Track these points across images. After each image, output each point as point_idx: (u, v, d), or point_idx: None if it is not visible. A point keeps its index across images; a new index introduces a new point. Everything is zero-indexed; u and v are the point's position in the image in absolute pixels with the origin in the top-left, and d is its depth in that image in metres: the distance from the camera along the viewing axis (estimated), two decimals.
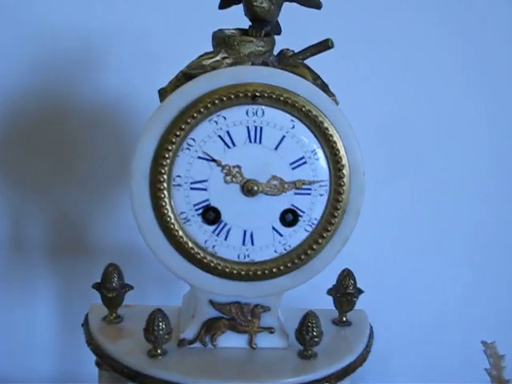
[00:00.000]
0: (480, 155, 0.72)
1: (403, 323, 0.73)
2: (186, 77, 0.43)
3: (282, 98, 0.39)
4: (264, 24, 0.44)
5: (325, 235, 0.41)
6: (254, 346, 0.46)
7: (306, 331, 0.44)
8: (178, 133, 0.39)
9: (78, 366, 0.78)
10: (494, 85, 0.70)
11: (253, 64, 0.43)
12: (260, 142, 0.39)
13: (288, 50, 0.45)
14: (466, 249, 0.75)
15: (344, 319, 0.51)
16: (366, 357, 0.48)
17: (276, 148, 0.40)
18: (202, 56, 0.44)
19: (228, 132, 0.39)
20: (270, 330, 0.46)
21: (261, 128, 0.39)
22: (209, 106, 0.39)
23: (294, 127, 0.40)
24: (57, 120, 0.69)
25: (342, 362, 0.45)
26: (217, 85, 0.39)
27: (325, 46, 0.44)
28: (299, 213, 0.41)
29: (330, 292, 0.51)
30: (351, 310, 0.51)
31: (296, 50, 0.45)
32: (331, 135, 0.40)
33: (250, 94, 0.39)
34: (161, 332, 0.43)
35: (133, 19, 0.67)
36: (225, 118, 0.39)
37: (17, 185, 0.70)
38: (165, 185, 0.39)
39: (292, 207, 0.41)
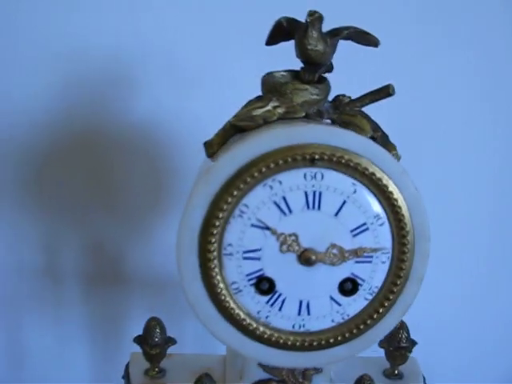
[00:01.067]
0: None
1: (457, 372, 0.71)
2: (234, 129, 0.40)
3: (343, 161, 0.36)
4: (318, 67, 0.41)
5: (386, 304, 0.38)
6: None
7: None
8: (229, 199, 0.35)
9: None
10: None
11: (307, 114, 0.39)
12: (319, 208, 0.36)
13: (344, 96, 0.41)
14: None
15: (396, 372, 0.49)
16: None
17: (336, 214, 0.36)
18: (250, 104, 0.40)
19: (284, 198, 0.36)
20: None
21: (320, 193, 0.36)
22: (263, 170, 0.35)
23: (355, 191, 0.36)
24: (91, 145, 0.66)
25: None
26: (271, 147, 0.35)
27: (386, 92, 0.40)
28: (359, 281, 0.38)
29: (382, 345, 0.48)
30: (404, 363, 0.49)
31: (352, 95, 0.42)
32: (396, 199, 0.36)
33: (308, 157, 0.35)
34: None
35: (164, 37, 0.63)
36: (280, 183, 0.36)
37: (52, 212, 0.68)
38: (215, 254, 0.36)
39: (352, 276, 0.38)
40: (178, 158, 0.68)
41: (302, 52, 0.39)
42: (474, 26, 0.66)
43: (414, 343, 0.48)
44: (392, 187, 0.36)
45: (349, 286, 0.38)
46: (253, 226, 0.36)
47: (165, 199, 0.69)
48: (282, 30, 0.42)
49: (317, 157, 0.35)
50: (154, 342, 0.46)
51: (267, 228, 0.36)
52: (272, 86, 0.40)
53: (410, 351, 0.48)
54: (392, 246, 0.37)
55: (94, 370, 0.74)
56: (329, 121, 0.40)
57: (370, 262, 0.37)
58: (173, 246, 0.74)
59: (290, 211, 0.36)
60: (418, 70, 0.65)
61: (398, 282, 0.38)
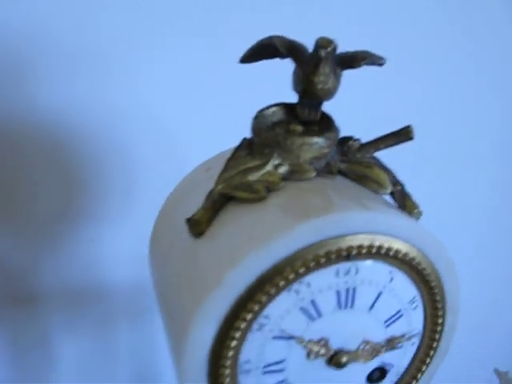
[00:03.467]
0: None
1: None
2: (226, 197, 0.31)
3: (383, 251, 0.29)
4: (321, 103, 0.32)
5: (412, 383, 0.34)
6: None
7: None
8: (246, 316, 0.28)
9: None
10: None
11: (318, 172, 0.31)
12: (352, 306, 0.30)
13: (354, 140, 0.33)
14: None
15: None
16: None
17: (370, 308, 0.30)
18: (239, 160, 0.31)
19: (313, 301, 0.29)
20: None
21: (354, 289, 0.29)
22: (290, 277, 0.27)
23: (392, 280, 0.30)
24: None
25: None
26: (299, 246, 0.27)
27: (406, 136, 0.33)
28: (388, 368, 0.33)
29: None
30: None
31: (360, 139, 0.34)
32: (432, 280, 0.31)
33: (344, 254, 0.28)
34: None
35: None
36: (309, 285, 0.28)
37: None
38: (228, 374, 0.29)
39: (382, 365, 0.33)
40: (89, 157, 0.55)
41: (308, 89, 0.31)
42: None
43: None
44: (430, 269, 0.31)
45: (377, 375, 0.33)
46: (275, 338, 0.29)
47: (78, 202, 0.57)
48: (270, 51, 0.32)
49: (354, 252, 0.28)
50: None
51: (292, 338, 0.29)
52: (272, 140, 0.31)
53: None
54: (424, 327, 0.33)
55: None
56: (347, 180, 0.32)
57: (400, 347, 0.32)
58: (100, 252, 0.63)
59: (320, 315, 0.29)
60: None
61: (427, 361, 0.34)
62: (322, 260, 0.28)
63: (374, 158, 0.33)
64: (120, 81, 0.52)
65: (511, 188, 0.71)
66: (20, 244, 0.56)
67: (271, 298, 0.28)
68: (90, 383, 0.66)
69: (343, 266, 0.29)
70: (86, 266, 0.59)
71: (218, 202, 0.31)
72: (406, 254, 0.30)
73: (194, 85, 0.54)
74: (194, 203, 0.32)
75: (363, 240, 0.28)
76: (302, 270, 0.27)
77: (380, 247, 0.29)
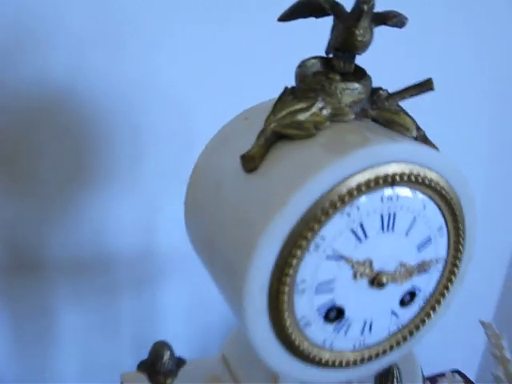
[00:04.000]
0: None
1: None
2: (276, 136, 0.34)
3: (420, 179, 0.33)
4: (355, 56, 0.36)
5: (436, 307, 0.38)
6: None
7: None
8: (308, 234, 0.31)
9: None
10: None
11: (355, 115, 0.35)
12: (393, 229, 0.33)
13: (382, 90, 0.37)
14: None
15: None
16: None
17: (407, 233, 0.34)
18: (286, 104, 0.35)
19: (361, 224, 0.32)
20: None
21: (394, 214, 0.33)
22: (346, 199, 0.31)
23: (425, 207, 0.34)
24: None
25: None
26: (354, 170, 0.31)
27: (428, 86, 0.37)
28: (417, 292, 0.37)
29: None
30: None
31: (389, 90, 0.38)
32: (457, 209, 0.35)
33: (390, 180, 0.32)
34: None
35: None
36: (358, 209, 0.32)
37: None
38: (287, 293, 0.32)
39: (412, 289, 0.36)
40: (99, 125, 0.57)
41: (348, 41, 0.34)
42: None
43: None
44: (455, 199, 0.35)
45: (408, 298, 0.37)
46: (328, 257, 0.32)
47: (85, 170, 0.59)
48: (311, 8, 0.36)
49: (398, 178, 0.32)
50: (166, 369, 0.41)
51: (342, 257, 0.33)
52: (318, 84, 0.34)
53: None
54: (447, 253, 0.37)
55: (23, 373, 0.65)
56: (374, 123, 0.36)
57: (428, 272, 0.36)
58: (106, 219, 0.65)
59: (366, 237, 0.33)
60: None
61: (450, 286, 0.38)
62: (372, 184, 0.31)
63: (400, 106, 0.38)
64: (133, 50, 0.55)
65: None
66: (27, 212, 0.57)
67: (328, 218, 0.31)
68: (93, 352, 0.67)
69: (387, 191, 0.32)
70: (92, 235, 0.61)
71: (270, 140, 0.34)
72: (437, 183, 0.34)
73: (204, 56, 0.57)
74: (237, 147, 0.35)
75: (404, 168, 0.32)
76: (355, 193, 0.31)
77: (417, 175, 0.33)
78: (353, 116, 0.35)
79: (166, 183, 0.61)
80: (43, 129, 0.54)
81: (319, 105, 0.34)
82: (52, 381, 0.67)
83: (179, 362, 0.42)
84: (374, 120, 0.36)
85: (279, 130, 0.34)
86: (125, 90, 0.55)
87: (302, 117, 0.34)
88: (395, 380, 0.43)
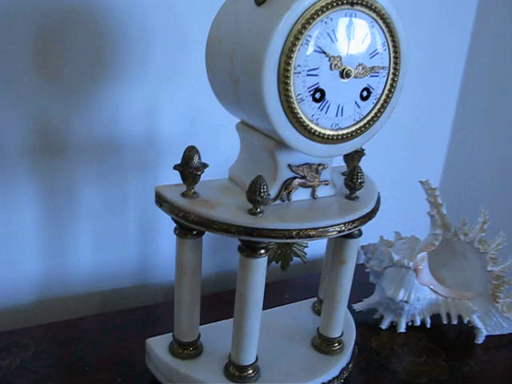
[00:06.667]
0: None
1: None
2: None
3: (369, 5, 0.52)
4: None
5: (384, 105, 0.57)
6: (316, 197, 0.62)
7: (356, 178, 0.61)
8: (302, 31, 0.50)
9: (66, 261, 0.84)
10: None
11: None
12: (354, 37, 0.53)
13: None
14: None
15: None
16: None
17: (362, 42, 0.53)
18: None
19: (333, 30, 0.51)
20: (326, 182, 0.62)
21: (354, 27, 0.52)
22: (323, 10, 0.50)
23: (373, 26, 0.54)
24: (32, 12, 0.69)
25: (373, 202, 0.64)
26: None
27: None
28: (371, 90, 0.56)
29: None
30: None
31: None
32: (395, 33, 0.55)
33: (349, 1, 0.51)
34: (265, 194, 0.55)
35: None
36: (331, 19, 0.51)
37: None
38: (290, 73, 0.51)
39: (367, 86, 0.56)
40: (116, 27, 0.75)
41: None
42: None
43: (363, 150, 0.70)
44: (392, 25, 0.55)
45: (365, 94, 0.56)
46: (315, 51, 0.51)
47: (108, 61, 0.76)
48: None
49: (355, 1, 0.52)
50: (195, 164, 0.58)
51: (323, 52, 0.52)
52: None
53: (364, 154, 0.69)
54: (389, 65, 0.56)
55: (47, 238, 0.81)
56: None
57: (377, 76, 0.56)
58: (120, 110, 0.84)
59: (337, 40, 0.52)
60: None
61: (392, 90, 0.57)
62: (339, 2, 0.51)
63: None
64: None
65: None
66: (55, 103, 0.75)
67: (313, 24, 0.50)
68: (104, 224, 0.84)
69: (349, 11, 0.52)
70: (108, 123, 0.78)
71: None
72: (380, 10, 0.53)
73: None
74: None
75: None
76: (329, 7, 0.50)
77: (368, 2, 0.52)
78: None
79: (168, 81, 0.79)
80: (69, 30, 0.72)
81: None
82: (69, 250, 0.83)
83: (204, 164, 0.60)
84: None
85: None
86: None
87: None
88: (359, 176, 0.62)
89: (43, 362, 0.70)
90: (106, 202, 0.83)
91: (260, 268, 0.59)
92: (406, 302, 0.80)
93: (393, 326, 0.84)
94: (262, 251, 0.58)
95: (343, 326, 0.73)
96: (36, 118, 0.74)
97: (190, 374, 0.64)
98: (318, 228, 0.57)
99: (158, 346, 0.68)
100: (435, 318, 0.84)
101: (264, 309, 0.62)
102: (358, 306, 0.85)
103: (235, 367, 0.64)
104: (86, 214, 0.82)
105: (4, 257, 0.79)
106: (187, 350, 0.67)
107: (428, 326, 0.84)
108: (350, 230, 0.60)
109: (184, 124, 0.84)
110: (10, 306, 0.81)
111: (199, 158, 0.59)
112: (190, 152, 0.59)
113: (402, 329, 0.83)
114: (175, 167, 0.59)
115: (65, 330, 0.77)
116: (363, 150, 0.70)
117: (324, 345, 0.71)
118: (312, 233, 0.57)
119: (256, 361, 0.65)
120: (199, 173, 0.59)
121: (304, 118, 0.53)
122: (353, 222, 0.60)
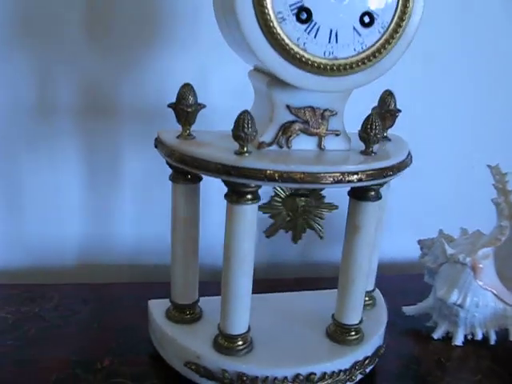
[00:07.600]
0: None
1: None
2: None
3: None
4: None
5: (394, 36, 0.49)
6: (323, 148, 0.55)
7: (371, 128, 0.53)
8: None
9: (109, 224, 0.85)
10: None
11: None
12: None
13: None
14: None
15: (385, 135, 0.61)
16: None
17: None
18: None
19: None
20: (336, 132, 0.55)
21: None
22: None
23: None
24: None
25: (395, 159, 0.55)
26: None
27: None
28: (374, 16, 0.49)
29: (373, 111, 0.60)
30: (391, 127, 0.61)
31: None
32: None
33: None
34: (250, 130, 0.50)
35: None
36: None
37: (45, 48, 0.74)
38: None
39: (369, 10, 0.48)
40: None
41: None
42: None
43: (399, 110, 0.60)
44: None
45: (367, 19, 0.49)
46: None
47: (156, 29, 0.77)
48: None
49: None
50: (188, 102, 0.55)
51: None
52: None
53: (397, 114, 0.60)
54: None
55: (91, 203, 0.83)
56: None
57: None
58: (167, 76, 0.82)
59: None
60: None
61: (404, 18, 0.49)
62: None
63: None
64: None
65: None
66: (105, 67, 0.77)
67: None
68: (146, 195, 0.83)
69: None
70: (154, 88, 0.78)
71: None
72: None
73: None
74: None
75: None
76: None
77: None
78: None
79: (216, 49, 0.77)
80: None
81: None
82: (113, 215, 0.83)
83: (199, 103, 0.56)
84: None
85: None
86: None
87: None
88: (375, 126, 0.53)
89: (58, 313, 0.70)
90: (150, 169, 0.83)
91: (247, 216, 0.52)
92: (461, 306, 0.66)
93: (448, 338, 0.70)
94: (249, 196, 0.52)
95: (372, 318, 0.63)
96: (85, 78, 0.77)
97: (177, 338, 0.59)
98: (307, 172, 0.50)
99: (157, 308, 0.64)
100: (502, 333, 0.68)
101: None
102: (408, 310, 0.73)
103: (224, 337, 0.57)
104: (128, 175, 0.83)
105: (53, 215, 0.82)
106: (183, 314, 0.62)
107: (492, 342, 0.68)
108: (349, 182, 0.51)
109: (234, 94, 0.81)
110: (55, 264, 0.84)
111: (194, 97, 0.56)
112: (185, 90, 0.55)
113: (459, 341, 0.69)
114: (169, 105, 0.56)
115: (92, 292, 0.77)
116: (398, 109, 0.60)
117: (338, 333, 0.61)
118: (298, 176, 0.50)
119: (248, 331, 0.57)
120: (190, 110, 0.55)
121: (287, 40, 0.48)
122: (353, 173, 0.51)
